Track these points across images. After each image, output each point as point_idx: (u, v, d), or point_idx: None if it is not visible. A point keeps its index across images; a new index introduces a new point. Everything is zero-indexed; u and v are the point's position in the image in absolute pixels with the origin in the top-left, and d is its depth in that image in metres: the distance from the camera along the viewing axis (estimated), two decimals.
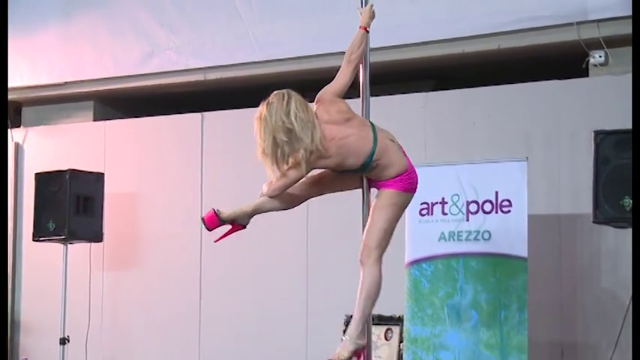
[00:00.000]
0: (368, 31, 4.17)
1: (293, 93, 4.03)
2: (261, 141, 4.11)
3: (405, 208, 4.09)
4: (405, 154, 4.06)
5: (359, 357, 4.10)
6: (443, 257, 5.65)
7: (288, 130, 3.97)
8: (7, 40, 7.28)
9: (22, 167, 7.97)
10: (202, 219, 4.37)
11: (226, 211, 4.41)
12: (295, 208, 6.37)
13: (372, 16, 4.20)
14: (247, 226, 7.16)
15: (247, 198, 7.16)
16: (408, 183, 4.02)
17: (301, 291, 6.76)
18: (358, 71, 4.18)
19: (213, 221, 4.41)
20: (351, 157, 3.96)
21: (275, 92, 4.05)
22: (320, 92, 4.12)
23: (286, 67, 6.97)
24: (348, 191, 6.47)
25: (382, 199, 4.02)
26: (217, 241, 4.47)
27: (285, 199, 4.37)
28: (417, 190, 4.08)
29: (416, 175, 4.06)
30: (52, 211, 6.89)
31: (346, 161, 3.98)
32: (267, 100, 4.07)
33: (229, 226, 4.48)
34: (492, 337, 5.44)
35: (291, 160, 4.04)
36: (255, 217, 7.12)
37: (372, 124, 4.06)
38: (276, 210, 4.45)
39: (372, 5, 4.21)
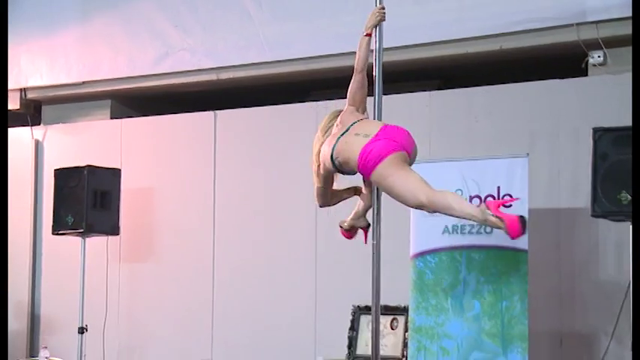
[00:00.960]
0: (369, 35, 4.26)
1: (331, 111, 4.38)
2: None
3: (399, 164, 4.07)
4: (384, 139, 4.07)
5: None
6: (446, 250, 5.69)
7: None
8: (7, 41, 7.37)
9: (42, 163, 8.04)
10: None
11: (346, 220, 4.55)
12: (302, 189, 6.60)
13: (375, 21, 4.27)
14: (258, 218, 7.36)
15: (258, 192, 7.37)
16: (370, 158, 4.06)
17: (310, 281, 6.80)
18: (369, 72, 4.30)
19: (347, 235, 4.57)
20: (326, 163, 4.26)
21: None
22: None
23: (295, 67, 7.03)
24: (355, 184, 6.63)
25: (379, 181, 4.10)
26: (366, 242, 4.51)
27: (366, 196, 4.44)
28: (392, 148, 4.07)
29: (375, 146, 4.05)
30: (71, 206, 6.97)
31: (326, 167, 4.27)
32: None
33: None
34: (494, 326, 5.48)
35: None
36: (264, 210, 7.31)
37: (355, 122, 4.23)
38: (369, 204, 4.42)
39: (380, 8, 4.29)
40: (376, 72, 4.31)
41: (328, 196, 4.48)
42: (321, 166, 4.32)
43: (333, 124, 4.33)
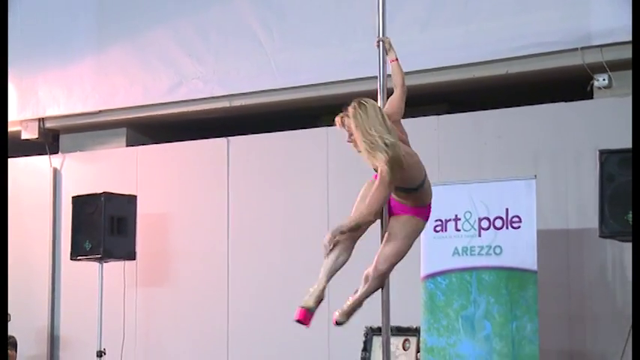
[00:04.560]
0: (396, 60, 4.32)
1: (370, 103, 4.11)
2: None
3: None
4: None
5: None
6: (457, 271, 5.76)
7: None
8: (7, 44, 7.48)
9: (60, 191, 8.13)
10: (298, 321, 4.29)
11: (309, 300, 4.33)
12: (315, 214, 6.52)
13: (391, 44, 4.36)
14: (271, 242, 7.33)
15: (271, 217, 7.40)
16: (429, 213, 4.22)
17: (323, 304, 6.80)
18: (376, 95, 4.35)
19: (306, 316, 4.39)
20: (415, 173, 4.07)
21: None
22: (400, 112, 4.26)
23: (306, 94, 7.12)
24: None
25: (407, 225, 4.12)
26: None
27: (348, 247, 4.30)
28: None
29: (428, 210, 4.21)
30: (88, 232, 7.07)
31: (412, 178, 4.05)
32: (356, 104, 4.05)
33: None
34: (505, 346, 5.54)
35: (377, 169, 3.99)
36: (278, 234, 7.32)
37: None
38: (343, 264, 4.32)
39: (389, 39, 4.35)
40: (380, 95, 4.38)
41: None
42: (405, 170, 3.99)
43: (385, 120, 4.04)
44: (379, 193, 3.99)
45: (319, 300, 4.30)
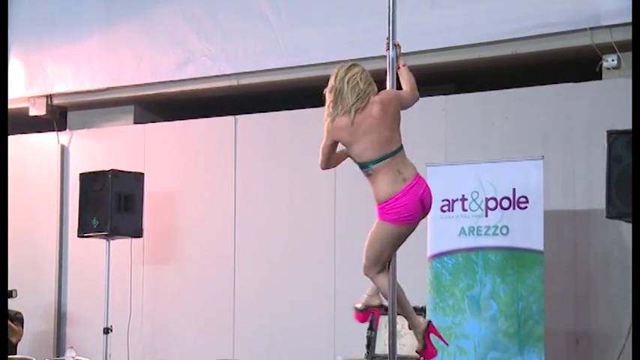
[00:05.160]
0: (404, 66, 4.39)
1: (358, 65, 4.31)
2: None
3: (394, 238, 4.25)
4: (408, 188, 4.20)
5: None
6: (463, 251, 5.77)
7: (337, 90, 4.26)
8: (7, 40, 7.46)
9: (68, 168, 8.14)
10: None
11: (359, 301, 4.54)
12: (322, 192, 6.40)
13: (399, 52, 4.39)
14: (278, 220, 7.41)
15: (278, 195, 7.43)
16: (385, 214, 4.21)
17: (329, 282, 6.87)
18: (385, 78, 4.38)
19: (360, 317, 4.58)
20: (360, 146, 4.21)
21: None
22: (398, 94, 4.32)
23: (313, 73, 7.07)
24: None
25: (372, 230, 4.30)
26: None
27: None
28: (406, 221, 4.22)
29: (401, 205, 4.18)
30: (96, 209, 7.07)
31: (353, 147, 4.22)
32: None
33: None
34: (510, 326, 5.55)
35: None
36: (284, 212, 7.38)
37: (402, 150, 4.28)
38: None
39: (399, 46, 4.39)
40: (389, 77, 4.38)
41: (332, 159, 4.46)
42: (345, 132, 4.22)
43: (370, 93, 4.23)
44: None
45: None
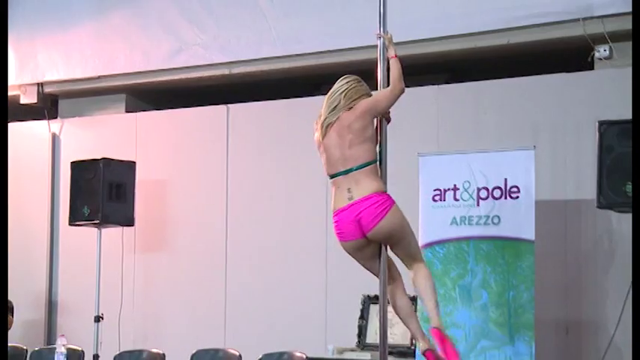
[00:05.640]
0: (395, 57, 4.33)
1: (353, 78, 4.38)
2: None
3: (349, 252, 4.39)
4: (346, 207, 4.27)
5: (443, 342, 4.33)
6: (454, 240, 5.77)
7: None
8: (7, 35, 7.45)
9: (59, 156, 8.11)
10: None
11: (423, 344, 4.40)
12: (314, 182, 6.55)
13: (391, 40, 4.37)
14: (270, 210, 7.41)
15: (270, 185, 7.43)
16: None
17: (321, 271, 6.89)
18: (376, 67, 4.36)
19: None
20: (322, 159, 4.38)
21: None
22: (372, 102, 4.32)
23: (306, 62, 7.10)
24: None
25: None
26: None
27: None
28: (340, 237, 4.35)
29: (336, 222, 4.33)
30: (87, 198, 7.05)
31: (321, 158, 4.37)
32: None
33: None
34: (501, 315, 5.56)
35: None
36: (276, 201, 7.39)
37: (375, 163, 4.30)
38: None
39: (390, 36, 4.36)
40: (380, 67, 4.37)
41: None
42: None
43: (357, 100, 4.29)
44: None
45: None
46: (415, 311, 4.57)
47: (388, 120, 4.40)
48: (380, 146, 4.37)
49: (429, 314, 4.44)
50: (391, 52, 4.35)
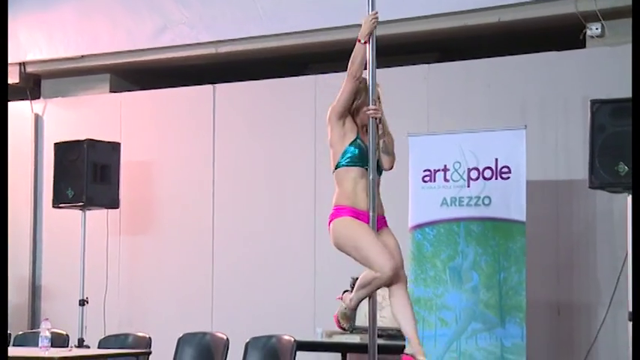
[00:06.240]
0: (364, 43, 4.13)
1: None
2: None
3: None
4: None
5: None
6: (445, 222, 5.72)
7: None
8: (7, 19, 7.33)
9: (42, 137, 8.06)
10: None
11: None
12: (302, 163, 6.54)
13: (370, 27, 4.15)
14: (257, 190, 7.35)
15: (257, 166, 7.39)
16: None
17: (309, 253, 6.86)
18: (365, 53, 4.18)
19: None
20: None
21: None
22: (329, 111, 4.23)
23: (294, 41, 7.03)
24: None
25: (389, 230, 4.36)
26: None
27: None
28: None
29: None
30: (71, 179, 7.00)
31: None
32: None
33: None
34: (492, 297, 5.52)
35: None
36: (264, 182, 7.35)
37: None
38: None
39: (374, 14, 4.17)
40: (370, 46, 4.24)
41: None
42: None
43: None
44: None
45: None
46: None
47: (375, 117, 4.21)
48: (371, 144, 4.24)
49: (407, 337, 4.23)
50: (366, 38, 4.17)
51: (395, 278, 4.18)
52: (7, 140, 6.04)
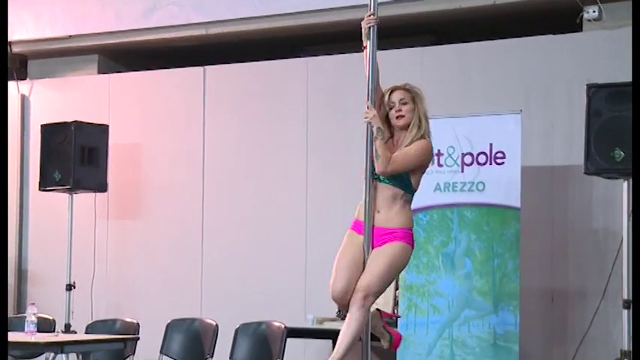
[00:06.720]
0: (364, 47, 4.18)
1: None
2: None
3: (405, 265, 4.23)
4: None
5: None
6: (438, 207, 5.68)
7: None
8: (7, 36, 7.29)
9: (28, 119, 7.99)
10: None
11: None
12: (293, 146, 6.46)
13: (366, 31, 4.15)
14: (247, 174, 7.31)
15: (247, 149, 7.34)
16: (411, 238, 4.20)
17: (300, 239, 6.82)
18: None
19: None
20: (419, 177, 4.28)
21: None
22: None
23: (286, 22, 6.96)
24: (347, 145, 6.59)
25: (388, 246, 4.13)
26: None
27: None
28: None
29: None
30: (58, 162, 6.93)
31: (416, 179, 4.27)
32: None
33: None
34: (485, 284, 5.50)
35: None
36: (254, 165, 7.29)
37: None
38: None
39: (368, 15, 4.14)
40: (370, 46, 4.20)
41: None
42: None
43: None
44: (407, 157, 4.19)
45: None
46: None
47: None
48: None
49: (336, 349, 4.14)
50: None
51: (341, 301, 4.17)
52: (6, 136, 5.97)
